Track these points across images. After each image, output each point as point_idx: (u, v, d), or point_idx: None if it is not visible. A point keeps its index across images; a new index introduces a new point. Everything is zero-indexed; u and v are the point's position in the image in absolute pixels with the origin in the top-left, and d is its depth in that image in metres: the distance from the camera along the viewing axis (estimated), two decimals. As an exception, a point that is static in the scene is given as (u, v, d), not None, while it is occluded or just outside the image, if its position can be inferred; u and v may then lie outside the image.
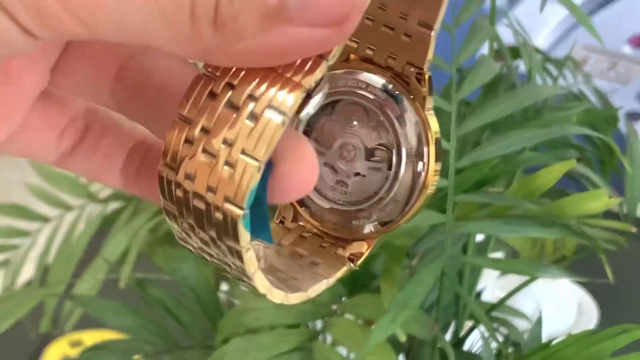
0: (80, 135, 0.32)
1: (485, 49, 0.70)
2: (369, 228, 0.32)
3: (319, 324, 0.66)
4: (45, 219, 0.83)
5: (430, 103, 0.31)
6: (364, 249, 0.32)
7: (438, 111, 0.65)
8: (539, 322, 0.69)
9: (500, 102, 0.63)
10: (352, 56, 0.32)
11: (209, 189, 0.25)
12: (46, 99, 0.31)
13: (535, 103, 0.66)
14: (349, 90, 0.31)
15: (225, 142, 0.25)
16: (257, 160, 0.24)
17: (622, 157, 0.63)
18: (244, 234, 0.25)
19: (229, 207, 0.25)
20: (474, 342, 0.71)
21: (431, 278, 0.61)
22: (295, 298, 0.30)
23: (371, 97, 0.31)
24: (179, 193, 0.26)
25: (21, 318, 0.66)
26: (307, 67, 0.25)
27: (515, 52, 0.73)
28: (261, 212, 0.26)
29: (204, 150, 0.25)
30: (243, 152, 0.25)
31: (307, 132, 0.32)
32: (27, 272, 0.78)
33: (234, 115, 0.25)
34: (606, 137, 0.65)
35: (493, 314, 0.72)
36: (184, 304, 0.69)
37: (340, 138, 0.32)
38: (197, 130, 0.25)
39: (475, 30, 0.64)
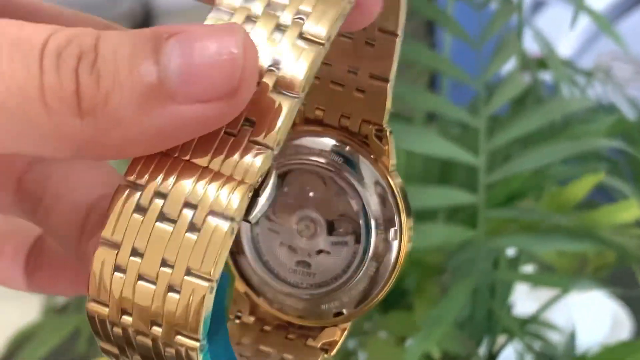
0: None
1: (510, 63, 0.70)
2: (340, 312, 0.28)
3: (351, 344, 0.66)
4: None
5: (393, 160, 0.27)
6: (337, 336, 0.28)
7: (465, 127, 0.66)
8: (572, 335, 0.69)
9: (528, 116, 0.63)
10: (298, 120, 0.28)
11: (154, 322, 0.21)
12: None
13: (563, 115, 0.65)
14: (299, 159, 0.28)
15: (164, 263, 0.21)
16: (207, 279, 0.21)
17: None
18: None
19: (182, 340, 0.21)
20: (507, 357, 0.70)
21: (464, 294, 0.60)
22: None
23: (324, 162, 0.27)
24: (117, 331, 0.22)
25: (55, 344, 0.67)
26: (250, 161, 0.21)
27: (541, 64, 0.73)
28: (220, 334, 0.23)
29: (140, 277, 0.21)
30: (188, 272, 0.21)
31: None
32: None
33: (171, 230, 0.21)
34: (638, 148, 0.65)
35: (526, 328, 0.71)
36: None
37: (296, 213, 0.28)
38: (128, 255, 0.21)
39: (502, 45, 0.64)
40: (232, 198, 0.21)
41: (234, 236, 0.21)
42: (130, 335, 0.22)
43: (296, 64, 0.22)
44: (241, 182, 0.21)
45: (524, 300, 0.95)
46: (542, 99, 0.67)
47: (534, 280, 0.67)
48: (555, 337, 0.74)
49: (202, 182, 0.21)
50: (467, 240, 0.62)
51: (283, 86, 0.22)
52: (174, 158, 0.21)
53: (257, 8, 0.22)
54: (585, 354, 0.63)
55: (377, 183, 0.27)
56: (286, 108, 0.21)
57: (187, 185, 0.21)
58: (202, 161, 0.21)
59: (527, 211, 0.61)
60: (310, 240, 0.28)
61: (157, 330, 0.21)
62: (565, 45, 1.10)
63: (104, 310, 0.22)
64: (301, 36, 0.22)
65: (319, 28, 0.22)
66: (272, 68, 0.22)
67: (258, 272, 0.28)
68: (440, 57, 0.66)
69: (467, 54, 0.63)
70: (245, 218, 0.22)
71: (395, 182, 0.27)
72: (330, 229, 0.28)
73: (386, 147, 0.27)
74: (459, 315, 0.66)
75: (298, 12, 0.22)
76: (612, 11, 1.13)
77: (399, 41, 0.26)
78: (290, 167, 0.28)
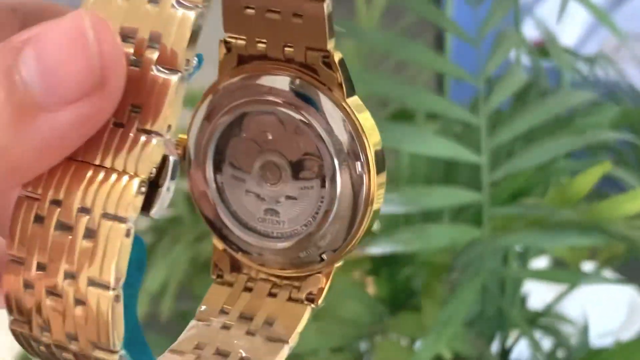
0: None
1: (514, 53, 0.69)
2: (320, 257, 0.27)
3: (362, 346, 0.66)
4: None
5: (351, 90, 0.26)
6: (322, 283, 0.27)
7: (467, 124, 0.65)
8: (585, 328, 0.68)
9: (530, 111, 0.62)
10: (243, 57, 0.26)
11: (70, 337, 0.20)
12: None
13: (566, 109, 0.64)
14: (251, 99, 0.26)
15: (67, 275, 0.20)
16: (109, 288, 0.20)
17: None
18: None
19: (100, 354, 0.20)
20: (522, 351, 0.70)
21: (472, 293, 0.60)
22: None
23: (279, 101, 0.26)
24: (42, 348, 0.21)
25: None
26: (139, 152, 0.20)
27: (543, 52, 0.72)
28: (138, 340, 0.23)
29: (48, 292, 0.20)
30: (91, 282, 0.20)
31: (220, 159, 0.27)
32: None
33: (69, 238, 0.20)
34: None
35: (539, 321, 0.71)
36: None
37: (259, 158, 0.27)
38: (33, 269, 0.20)
39: (501, 40, 0.63)
40: (124, 196, 0.20)
41: (132, 236, 0.20)
42: (54, 351, 0.21)
43: (175, 35, 0.20)
44: (134, 176, 0.20)
45: (540, 289, 0.95)
46: (545, 91, 0.66)
47: (543, 277, 0.66)
48: (569, 329, 0.73)
49: (95, 183, 0.20)
50: (473, 239, 0.61)
51: (165, 62, 0.20)
52: (66, 160, 0.20)
53: None
54: (600, 350, 0.63)
55: (333, 113, 0.26)
56: (171, 88, 0.20)
57: (81, 188, 0.20)
58: (94, 159, 0.20)
59: (532, 207, 0.60)
60: (276, 186, 0.27)
61: (75, 344, 0.20)
62: (572, 31, 1.09)
63: (26, 329, 0.21)
64: (177, 2, 0.20)
65: None
66: (152, 44, 0.20)
67: (228, 225, 0.27)
68: (440, 57, 0.65)
69: (470, 48, 0.62)
70: (147, 213, 0.20)
71: (353, 109, 0.26)
72: (295, 170, 0.26)
73: (337, 73, 0.25)
74: (469, 313, 0.65)
75: None
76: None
77: None
78: (243, 110, 0.26)
